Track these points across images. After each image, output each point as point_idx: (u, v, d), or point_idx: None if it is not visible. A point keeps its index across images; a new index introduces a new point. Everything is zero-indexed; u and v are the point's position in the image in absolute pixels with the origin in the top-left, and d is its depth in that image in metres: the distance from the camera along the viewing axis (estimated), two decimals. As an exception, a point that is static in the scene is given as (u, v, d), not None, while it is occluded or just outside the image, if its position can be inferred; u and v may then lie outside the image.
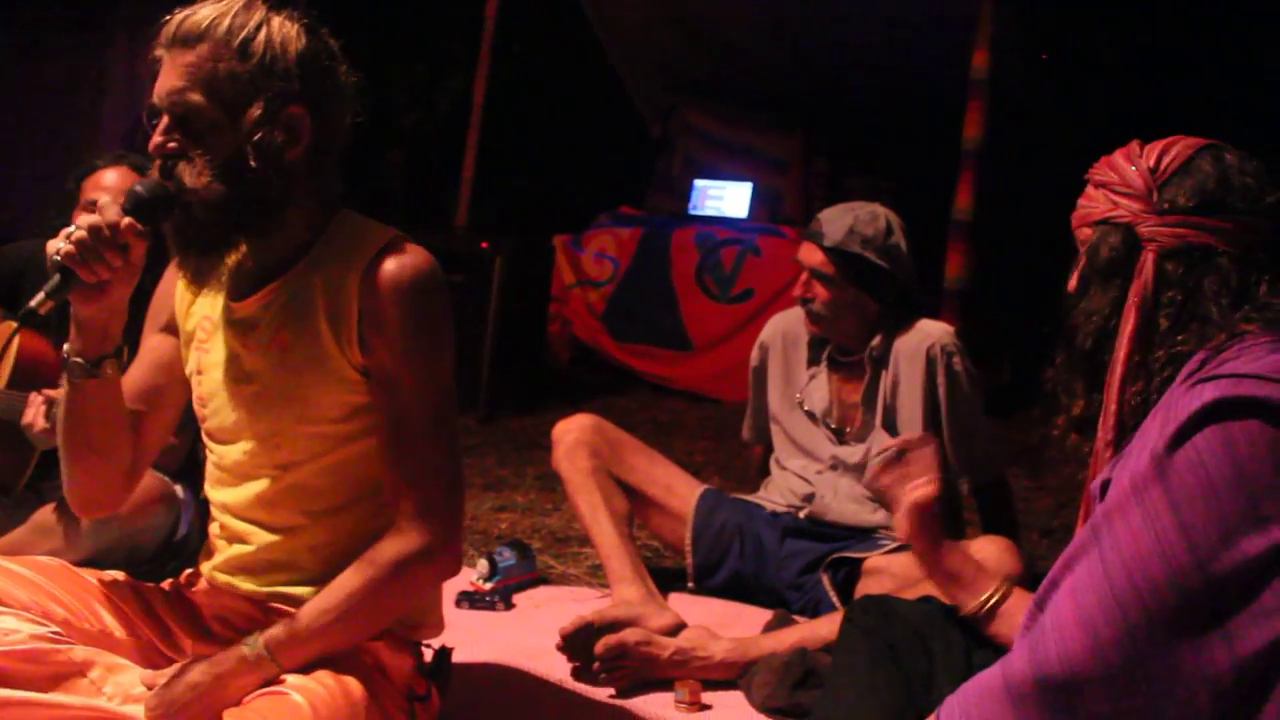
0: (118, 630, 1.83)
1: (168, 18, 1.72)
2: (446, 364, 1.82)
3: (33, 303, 1.66)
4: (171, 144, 1.71)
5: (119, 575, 1.94)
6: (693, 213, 6.68)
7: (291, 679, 1.73)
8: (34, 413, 2.52)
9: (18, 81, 5.85)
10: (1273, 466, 1.27)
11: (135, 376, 1.95)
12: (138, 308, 1.89)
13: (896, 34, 5.99)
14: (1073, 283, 1.60)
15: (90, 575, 1.89)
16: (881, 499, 2.03)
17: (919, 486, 1.92)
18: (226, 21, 1.70)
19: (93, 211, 1.72)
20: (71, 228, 1.68)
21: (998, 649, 1.74)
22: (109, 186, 2.70)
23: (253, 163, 1.70)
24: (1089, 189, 1.60)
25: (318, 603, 1.75)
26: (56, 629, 1.75)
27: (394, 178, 8.03)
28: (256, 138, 1.70)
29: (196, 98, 1.69)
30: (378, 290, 1.75)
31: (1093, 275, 1.56)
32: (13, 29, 6.01)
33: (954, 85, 5.06)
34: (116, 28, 5.92)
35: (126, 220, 1.68)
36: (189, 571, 2.02)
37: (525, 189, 7.84)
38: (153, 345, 1.97)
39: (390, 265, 1.76)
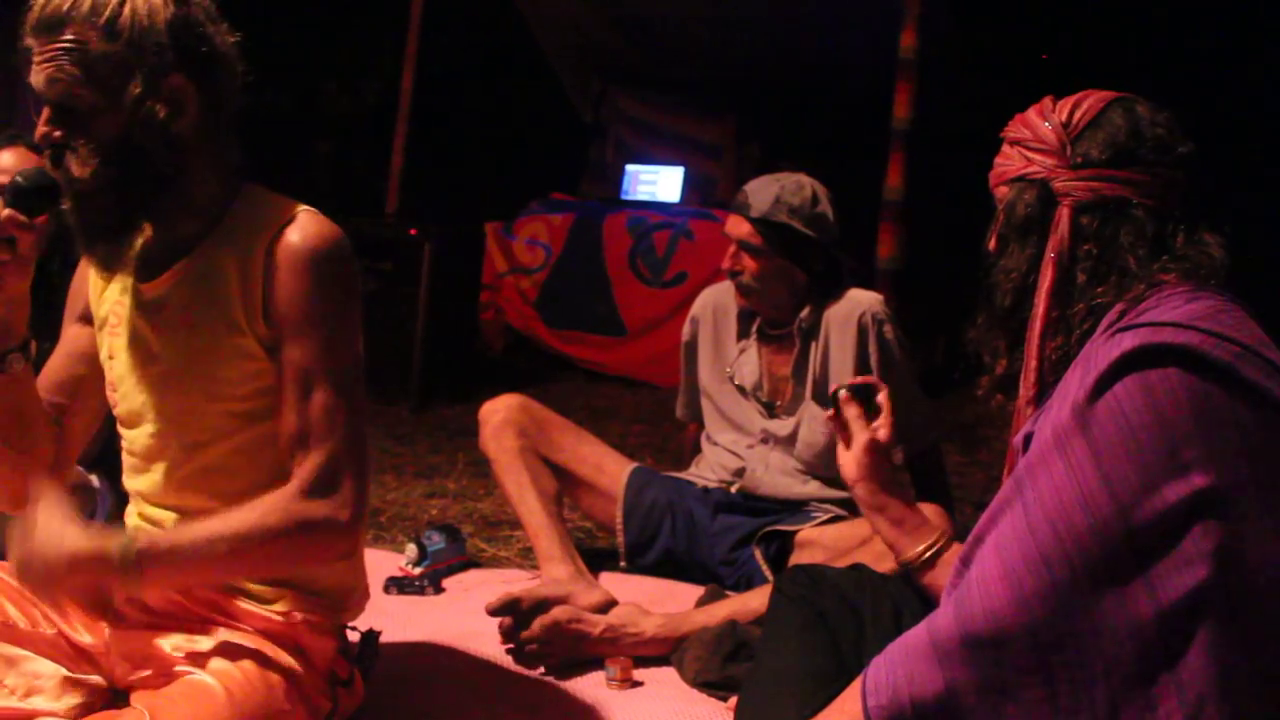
0: (21, 621, 1.79)
1: (30, 3, 1.66)
2: (351, 335, 1.78)
3: None
4: (56, 133, 1.67)
5: None
6: (625, 198, 6.66)
7: (211, 663, 1.70)
8: None
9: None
10: (1192, 413, 1.26)
11: (54, 368, 1.92)
12: (56, 298, 1.86)
13: (826, 16, 6.01)
14: (991, 241, 1.60)
15: (-4, 564, 1.84)
16: (830, 450, 2.01)
17: (877, 427, 1.91)
18: (89, 2, 1.64)
19: None
20: None
21: (926, 613, 1.73)
22: (6, 169, 2.63)
23: (140, 141, 1.66)
24: (1004, 147, 1.60)
25: (212, 528, 1.66)
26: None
27: (322, 167, 7.94)
28: (139, 115, 1.66)
29: (72, 83, 1.64)
30: (282, 261, 1.72)
31: (1010, 233, 1.56)
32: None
33: (883, 66, 5.07)
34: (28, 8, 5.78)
35: (6, 212, 1.65)
36: None
37: (456, 176, 7.78)
38: (71, 335, 1.93)
39: (294, 235, 1.73)
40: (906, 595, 1.82)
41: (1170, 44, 6.77)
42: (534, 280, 6.32)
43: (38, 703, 1.70)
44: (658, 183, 6.68)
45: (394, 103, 6.23)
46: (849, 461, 1.91)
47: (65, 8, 1.63)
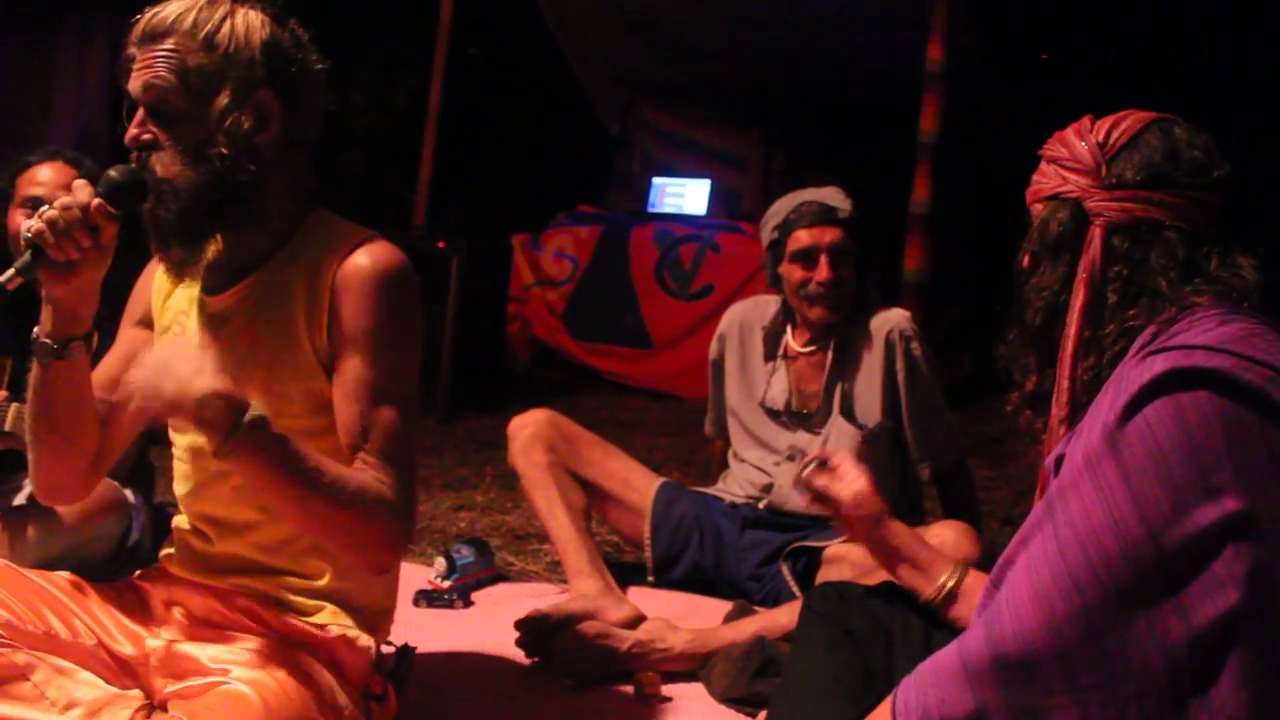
0: (63, 632, 1.80)
1: (138, 17, 1.76)
2: (412, 360, 1.82)
3: (1, 278, 1.67)
4: (145, 135, 1.74)
5: (65, 576, 1.91)
6: (651, 210, 6.67)
7: (243, 673, 1.72)
8: (13, 419, 2.47)
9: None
10: (1223, 437, 1.26)
11: (107, 367, 1.95)
12: (115, 299, 1.90)
13: (852, 29, 6.01)
14: (1024, 259, 1.60)
15: (35, 576, 1.87)
16: (857, 455, 2.01)
17: (851, 482, 1.91)
18: (192, 16, 1.74)
19: (30, 209, 1.71)
20: (45, 206, 1.69)
21: (957, 631, 1.73)
22: (45, 182, 2.65)
23: (223, 149, 1.73)
24: (1042, 164, 1.60)
25: (321, 460, 1.66)
26: (-1, 633, 1.72)
27: (351, 179, 7.98)
28: (226, 123, 1.73)
29: (167, 88, 1.73)
30: (351, 283, 1.77)
31: (1043, 251, 1.55)
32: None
33: (910, 79, 5.07)
34: (65, 29, 5.85)
35: (97, 201, 1.70)
36: (143, 569, 2.00)
37: (483, 189, 7.80)
38: (128, 337, 1.98)
39: (362, 259, 1.78)
40: (936, 614, 1.82)
41: (1203, 54, 6.74)
42: (561, 292, 6.34)
43: (76, 716, 1.71)
44: (684, 195, 6.69)
45: (422, 116, 6.26)
46: (845, 524, 1.92)
47: (170, 20, 1.74)
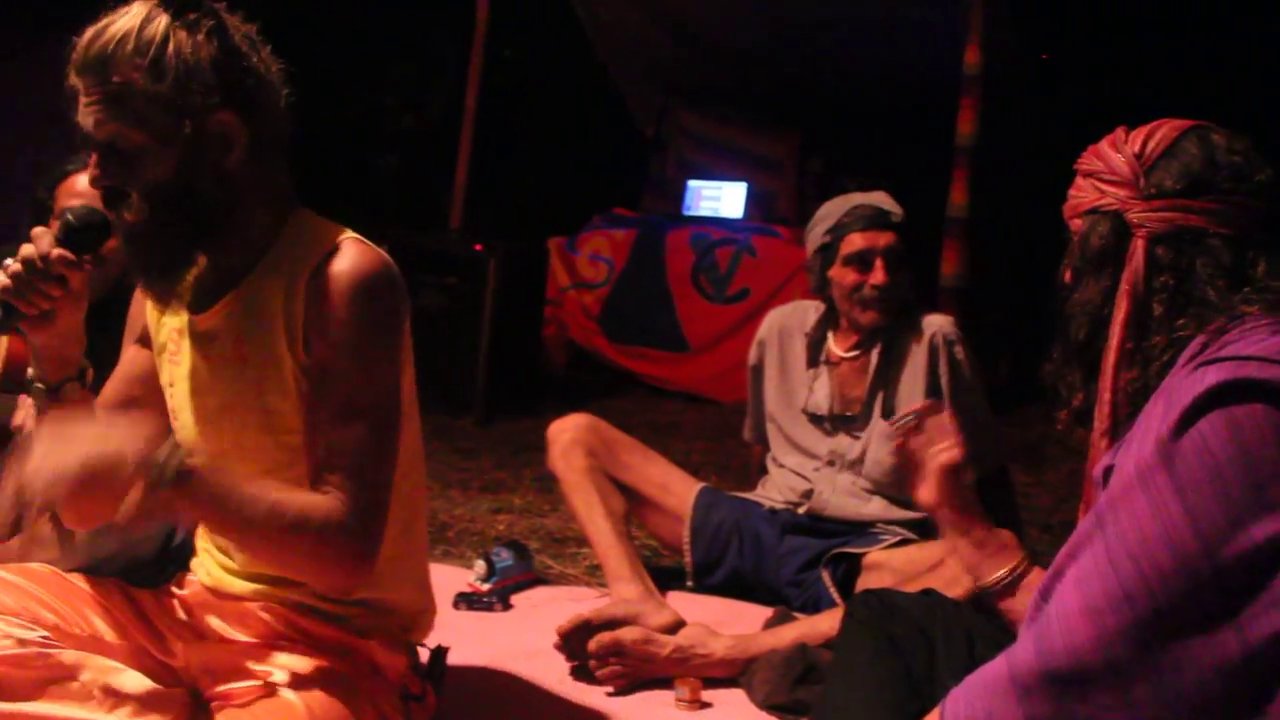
0: (108, 634, 1.82)
1: (74, 40, 1.65)
2: (387, 369, 1.74)
3: None
4: (107, 180, 1.67)
5: (110, 581, 1.93)
6: (687, 213, 6.67)
7: (285, 677, 1.74)
8: (24, 415, 2.50)
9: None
10: (1278, 450, 1.25)
11: (113, 390, 1.94)
12: (116, 317, 1.88)
13: (888, 32, 5.99)
14: (1066, 274, 1.59)
15: (80, 581, 1.88)
16: (900, 472, 2.00)
17: (945, 449, 1.89)
18: (133, 40, 1.62)
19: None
20: (8, 260, 1.66)
21: (1000, 642, 1.73)
22: (83, 192, 2.60)
23: (190, 181, 1.66)
24: (1078, 179, 1.59)
25: (258, 490, 1.63)
26: (46, 634, 1.74)
27: (387, 182, 8.01)
28: (188, 155, 1.66)
29: (122, 128, 1.64)
30: (321, 291, 1.69)
31: (1084, 265, 1.55)
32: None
33: (947, 82, 5.05)
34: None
35: (57, 251, 1.66)
36: (182, 574, 2.01)
37: (519, 191, 7.82)
38: (129, 358, 1.95)
39: (334, 266, 1.70)
40: (979, 623, 1.81)
41: (1244, 57, 6.67)
42: (596, 295, 6.35)
43: (124, 715, 1.73)
44: (720, 198, 6.68)
45: (458, 119, 6.27)
46: (926, 488, 1.90)
47: (110, 47, 1.62)
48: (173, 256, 1.71)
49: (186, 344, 1.82)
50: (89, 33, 1.64)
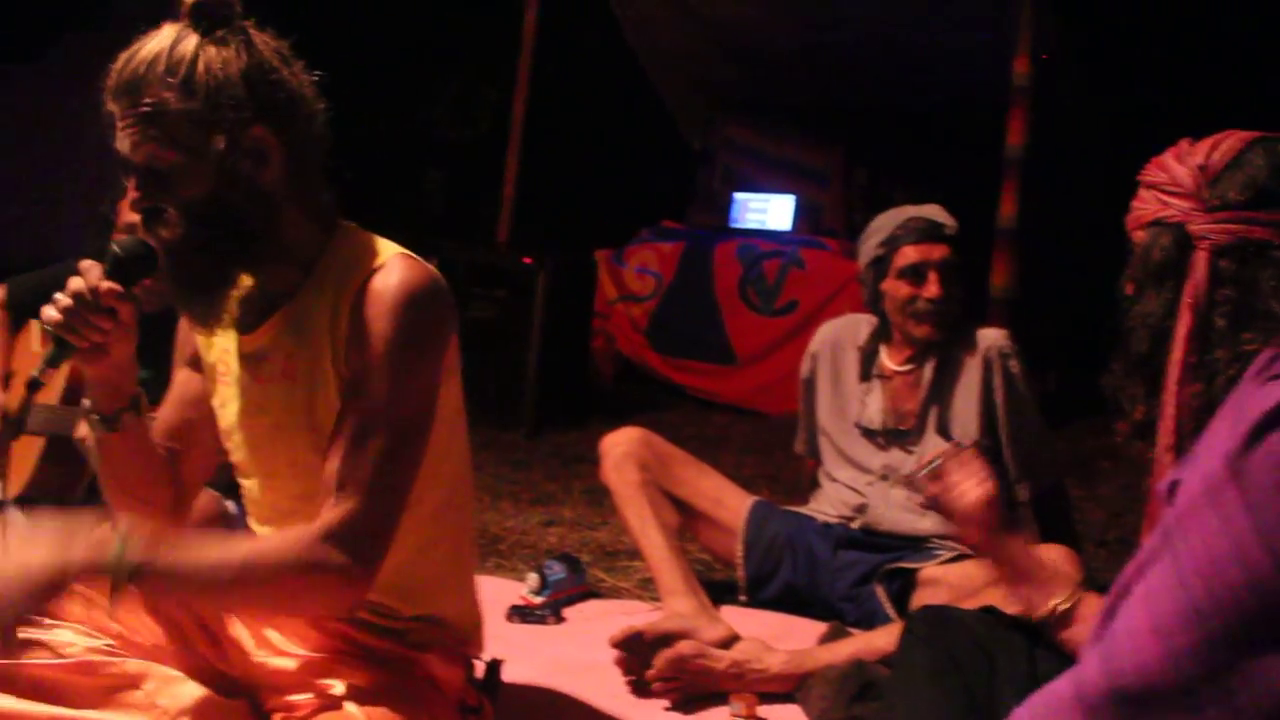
0: (170, 644, 1.83)
1: (111, 67, 1.65)
2: (423, 382, 1.72)
3: (35, 372, 1.67)
4: (147, 201, 1.67)
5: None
6: (734, 226, 6.67)
7: (343, 690, 1.74)
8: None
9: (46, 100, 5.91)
10: (1350, 466, 1.23)
11: (166, 414, 1.95)
12: (167, 333, 1.88)
13: (935, 43, 5.97)
14: (1128, 286, 1.58)
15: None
16: (939, 511, 2.00)
17: (974, 488, 1.89)
18: (164, 60, 1.62)
19: (133, 234, 1.72)
20: (59, 295, 1.67)
21: (1063, 658, 1.71)
22: None
23: (227, 199, 1.65)
24: (1140, 191, 1.57)
25: (220, 553, 1.62)
26: (110, 641, 1.76)
27: (435, 195, 8.07)
28: (224, 172, 1.65)
29: (156, 149, 1.64)
30: (363, 307, 1.68)
31: (1146, 278, 1.53)
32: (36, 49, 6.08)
33: (995, 93, 5.03)
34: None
35: (106, 285, 1.66)
36: None
37: (565, 204, 7.86)
38: (180, 380, 1.96)
39: (377, 282, 1.69)
40: (1041, 641, 1.79)
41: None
42: (644, 308, 6.36)
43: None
44: (768, 210, 6.68)
45: (505, 132, 6.31)
46: (965, 529, 1.90)
47: (142, 69, 1.62)
48: (211, 275, 1.70)
49: (236, 365, 1.82)
50: (122, 57, 1.65)
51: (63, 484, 2.74)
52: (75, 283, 1.66)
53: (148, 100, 1.62)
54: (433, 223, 7.60)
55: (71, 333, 1.67)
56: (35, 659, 1.69)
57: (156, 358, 2.08)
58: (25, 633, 1.72)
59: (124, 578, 1.53)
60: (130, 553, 1.53)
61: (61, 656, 1.68)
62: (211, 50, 1.63)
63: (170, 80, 1.61)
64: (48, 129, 6.44)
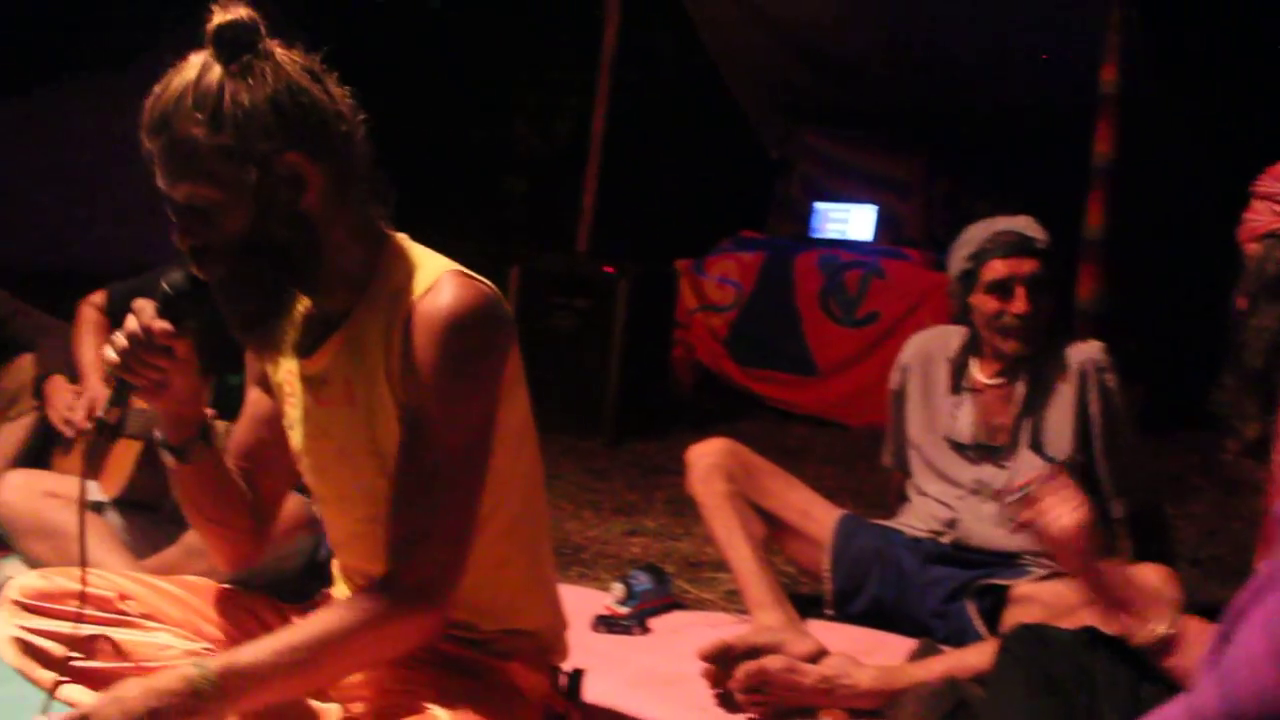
0: None
1: (144, 103, 1.64)
2: (477, 408, 1.71)
3: (100, 413, 1.73)
4: (191, 239, 1.67)
5: (259, 594, 1.98)
6: (814, 236, 6.63)
7: (439, 706, 1.73)
8: None
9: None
10: None
11: (240, 435, 1.97)
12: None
13: (1019, 51, 5.90)
14: (1241, 300, 1.54)
15: (238, 595, 1.94)
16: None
17: (1066, 513, 1.85)
18: (191, 96, 1.60)
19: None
20: (116, 335, 1.70)
21: (1168, 682, 1.67)
22: None
23: (269, 227, 1.64)
24: (1254, 202, 1.54)
25: (287, 638, 1.62)
26: (208, 645, 1.79)
27: (516, 204, 8.14)
28: (263, 202, 1.63)
29: (193, 186, 1.63)
30: (416, 328, 1.67)
31: (1261, 291, 1.50)
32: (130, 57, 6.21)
33: (1080, 101, 4.95)
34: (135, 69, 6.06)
35: (159, 325, 1.68)
36: (326, 591, 2.04)
37: (645, 214, 7.88)
38: (252, 400, 1.97)
39: (429, 302, 1.68)
40: (1145, 663, 1.75)
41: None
42: (724, 318, 6.33)
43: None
44: (848, 220, 6.63)
45: (585, 142, 6.34)
46: (1058, 553, 1.86)
47: (170, 105, 1.61)
48: (263, 305, 1.71)
49: (300, 387, 1.83)
50: (153, 93, 1.63)
51: (161, 488, 2.78)
52: (130, 323, 1.69)
53: (179, 137, 1.61)
54: (514, 232, 7.67)
55: (129, 372, 1.69)
56: (134, 661, 1.73)
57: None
58: (125, 634, 1.76)
59: (213, 691, 1.52)
60: (208, 668, 1.54)
61: (161, 659, 1.72)
62: (237, 79, 1.61)
63: (199, 116, 1.59)
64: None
